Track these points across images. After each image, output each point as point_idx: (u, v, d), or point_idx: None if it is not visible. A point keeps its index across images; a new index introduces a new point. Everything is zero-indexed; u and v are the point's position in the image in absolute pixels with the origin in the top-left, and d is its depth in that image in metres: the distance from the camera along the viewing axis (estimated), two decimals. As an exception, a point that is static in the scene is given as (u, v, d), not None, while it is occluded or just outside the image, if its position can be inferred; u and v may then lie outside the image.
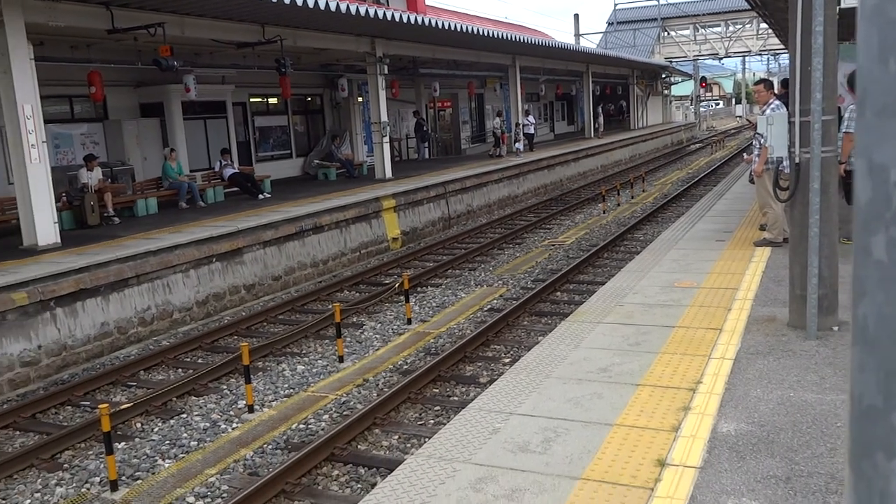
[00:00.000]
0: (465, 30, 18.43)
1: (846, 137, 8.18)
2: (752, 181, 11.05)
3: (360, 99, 24.09)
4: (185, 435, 7.14)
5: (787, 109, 6.80)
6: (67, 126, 15.95)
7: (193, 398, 8.05)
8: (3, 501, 6.12)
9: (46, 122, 11.87)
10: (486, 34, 19.67)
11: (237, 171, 17.52)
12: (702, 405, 4.92)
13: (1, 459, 6.60)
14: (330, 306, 10.06)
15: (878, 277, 0.76)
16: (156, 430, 7.32)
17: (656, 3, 50.47)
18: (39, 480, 6.42)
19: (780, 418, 4.65)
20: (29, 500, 6.09)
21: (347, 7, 13.87)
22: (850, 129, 8.03)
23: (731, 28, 49.82)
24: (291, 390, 8.15)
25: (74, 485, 6.30)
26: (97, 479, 6.35)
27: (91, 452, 6.90)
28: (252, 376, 7.92)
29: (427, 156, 27.86)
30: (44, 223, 11.05)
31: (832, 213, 6.08)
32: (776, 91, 9.75)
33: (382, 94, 18.96)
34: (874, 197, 0.77)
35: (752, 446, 4.30)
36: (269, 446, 6.78)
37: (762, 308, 7.07)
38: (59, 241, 11.22)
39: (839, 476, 3.93)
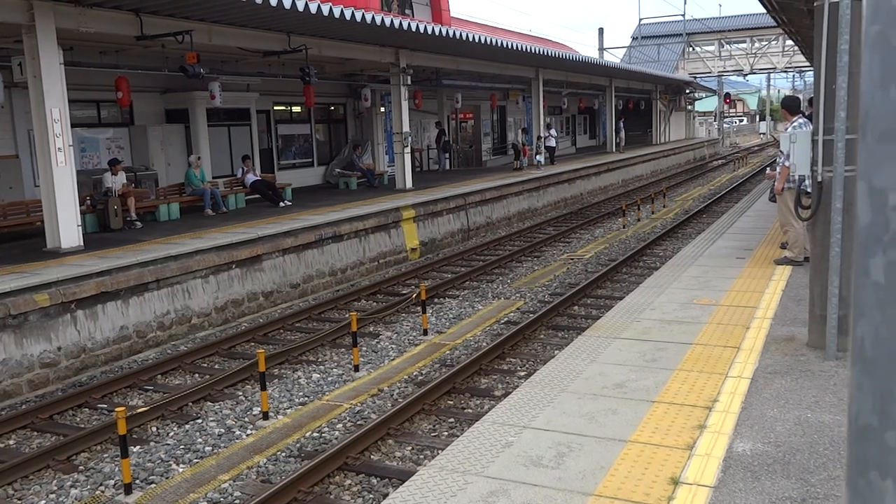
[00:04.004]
0: (489, 42, 18.48)
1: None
2: (771, 199, 10.98)
3: (382, 109, 24.21)
4: (199, 440, 7.17)
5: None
6: (94, 130, 16.16)
7: (209, 403, 8.09)
8: (19, 502, 6.18)
9: (73, 126, 12.04)
10: (510, 46, 19.71)
11: (259, 178, 17.65)
12: (717, 424, 4.88)
13: (18, 460, 6.66)
14: (347, 315, 10.09)
15: (876, 299, 0.76)
16: (171, 434, 7.36)
17: (681, 18, 50.35)
18: (55, 481, 6.47)
19: (796, 439, 4.60)
20: (44, 501, 6.14)
21: (373, 18, 13.97)
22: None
23: (756, 44, 49.53)
24: (306, 398, 8.17)
25: (89, 487, 6.35)
26: (112, 481, 6.40)
27: (106, 455, 6.95)
28: (268, 383, 7.95)
29: (448, 167, 27.90)
30: (67, 226, 11.18)
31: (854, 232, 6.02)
32: (802, 110, 9.69)
33: (405, 105, 19.03)
34: (873, 220, 0.76)
35: (767, 467, 4.26)
36: (283, 454, 6.80)
37: (781, 327, 7.00)
38: (81, 243, 11.35)
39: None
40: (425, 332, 10.36)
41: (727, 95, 55.93)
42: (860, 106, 0.80)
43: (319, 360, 9.48)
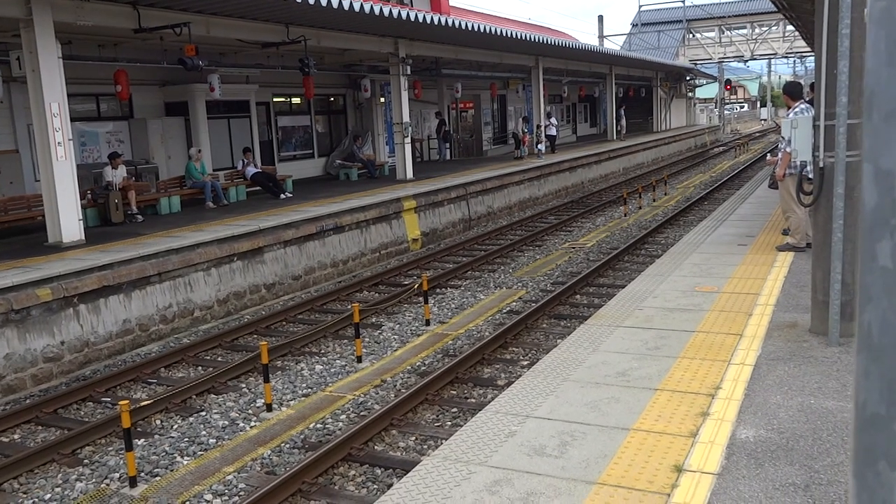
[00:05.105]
0: (488, 31, 18.41)
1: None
2: (771, 186, 10.94)
3: (382, 99, 24.15)
4: (203, 433, 7.19)
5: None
6: (93, 124, 16.14)
7: (213, 396, 8.11)
8: (25, 495, 6.20)
9: (73, 119, 12.02)
10: (509, 35, 19.63)
11: (259, 170, 17.63)
12: (720, 411, 4.88)
13: (23, 454, 6.68)
14: (349, 306, 10.09)
15: (883, 284, 0.74)
16: (175, 427, 7.38)
17: (681, 4, 50.13)
18: (60, 475, 6.49)
19: (799, 425, 4.59)
20: (49, 495, 6.16)
21: (371, 7, 13.90)
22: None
23: (756, 30, 49.33)
24: (309, 390, 8.19)
25: (94, 480, 6.37)
26: (116, 475, 6.42)
27: (111, 448, 6.96)
28: (271, 375, 7.96)
29: (448, 157, 27.86)
30: (69, 220, 11.18)
31: (856, 218, 6.01)
32: (804, 95, 9.64)
33: (405, 95, 18.99)
34: (880, 203, 0.74)
35: (770, 453, 4.26)
36: (287, 445, 6.81)
37: (784, 314, 6.99)
38: (83, 238, 11.35)
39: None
40: (427, 323, 10.37)
41: (728, 82, 55.77)
42: (865, 85, 0.77)
43: (322, 351, 9.49)
